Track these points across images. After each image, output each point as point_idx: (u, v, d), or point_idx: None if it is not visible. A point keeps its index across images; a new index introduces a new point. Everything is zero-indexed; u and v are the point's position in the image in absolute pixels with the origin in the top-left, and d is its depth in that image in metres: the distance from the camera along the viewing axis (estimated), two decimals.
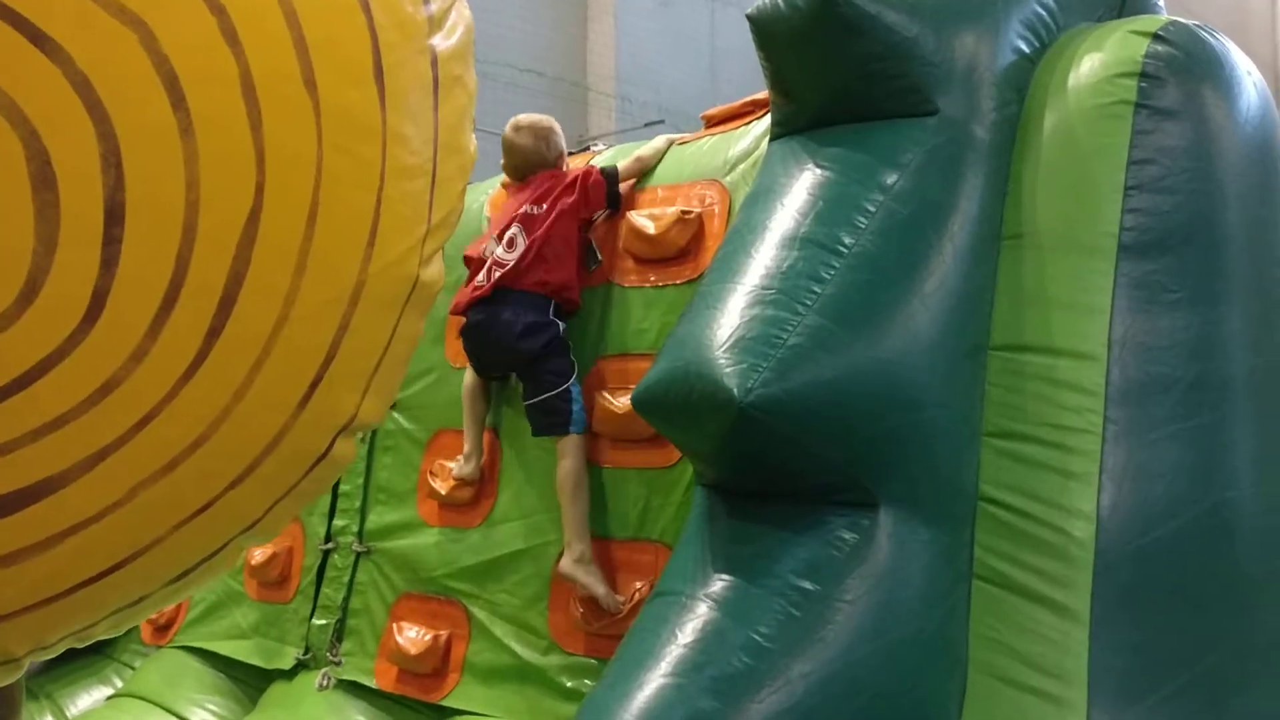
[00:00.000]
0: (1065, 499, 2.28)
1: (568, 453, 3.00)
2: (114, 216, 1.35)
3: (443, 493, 3.32)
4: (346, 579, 3.60)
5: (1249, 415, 2.41)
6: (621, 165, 3.26)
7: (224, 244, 1.42)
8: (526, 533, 3.11)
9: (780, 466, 2.20)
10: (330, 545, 3.69)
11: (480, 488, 3.27)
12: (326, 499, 3.73)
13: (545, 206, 3.18)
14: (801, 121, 2.55)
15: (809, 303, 2.18)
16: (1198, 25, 2.56)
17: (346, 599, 3.57)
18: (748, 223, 2.42)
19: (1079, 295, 2.38)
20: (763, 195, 2.46)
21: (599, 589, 2.84)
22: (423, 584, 3.36)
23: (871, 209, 2.31)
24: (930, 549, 2.24)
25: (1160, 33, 2.49)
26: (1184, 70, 2.46)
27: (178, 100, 1.36)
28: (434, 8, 1.67)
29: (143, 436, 1.44)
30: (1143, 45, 2.47)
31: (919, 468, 2.26)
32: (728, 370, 2.10)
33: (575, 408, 3.02)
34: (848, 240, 2.27)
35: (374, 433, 3.66)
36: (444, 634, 3.22)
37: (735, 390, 2.07)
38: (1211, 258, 2.44)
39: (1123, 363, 2.34)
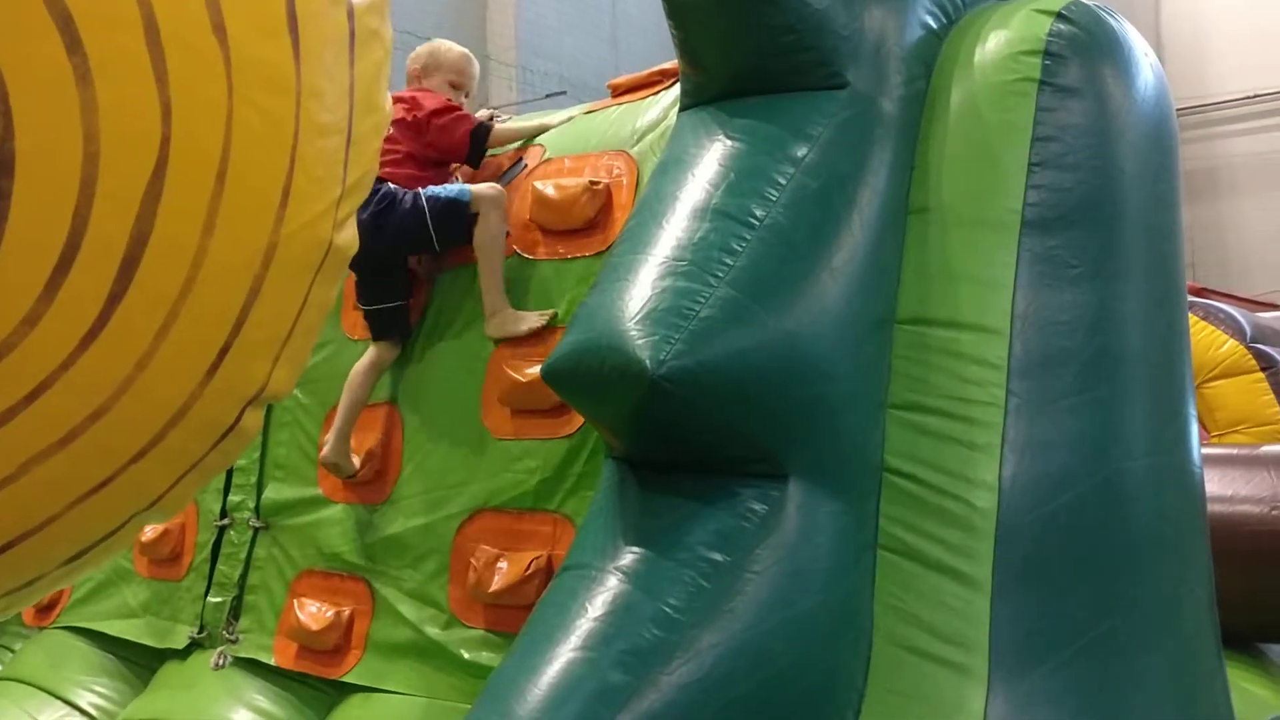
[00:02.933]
0: (968, 470, 2.32)
1: (482, 211, 3.05)
2: (3, 167, 1.24)
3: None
4: (243, 555, 3.50)
5: (1143, 388, 2.47)
6: (503, 126, 3.25)
7: (126, 201, 1.33)
8: (428, 506, 3.06)
9: (691, 438, 2.20)
10: (226, 521, 3.59)
11: (384, 463, 3.21)
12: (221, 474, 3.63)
13: (411, 119, 3.19)
14: (711, 92, 2.53)
15: (720, 275, 2.18)
16: (1098, 5, 2.61)
17: (244, 576, 3.48)
18: (657, 193, 2.40)
19: (983, 270, 2.42)
20: (673, 166, 2.44)
21: (520, 328, 2.94)
22: (325, 560, 3.29)
23: (782, 181, 2.31)
24: (837, 520, 2.26)
25: (1063, 11, 2.53)
26: (1085, 49, 2.51)
27: (73, 44, 1.26)
28: None
29: (35, 408, 1.35)
30: (1046, 24, 2.51)
31: (826, 440, 2.27)
32: (639, 342, 2.09)
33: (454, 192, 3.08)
34: (758, 212, 2.26)
35: (269, 406, 3.57)
36: (346, 610, 3.16)
37: (647, 362, 2.06)
38: (1110, 234, 2.49)
39: (1025, 337, 2.38)
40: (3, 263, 1.27)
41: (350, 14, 1.58)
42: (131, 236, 1.35)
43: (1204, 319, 5.60)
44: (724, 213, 2.26)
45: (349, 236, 1.70)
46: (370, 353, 3.20)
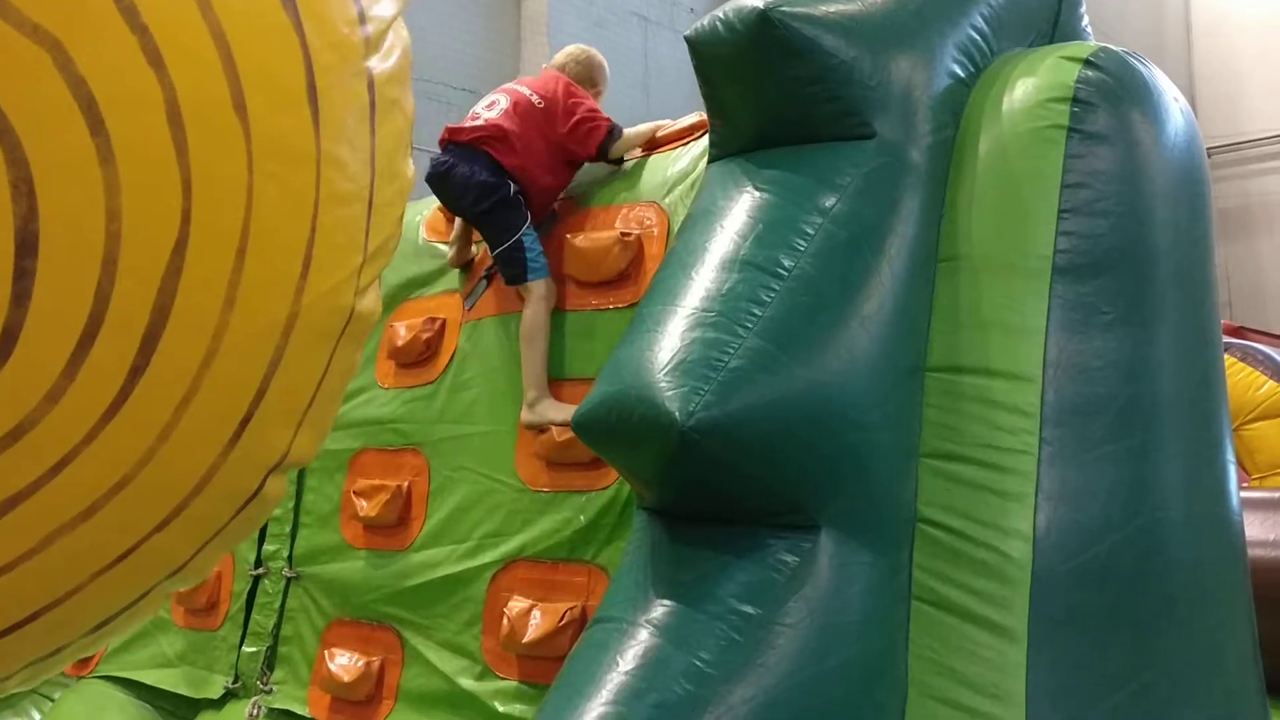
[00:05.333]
0: (1002, 519, 2.29)
1: (529, 301, 3.07)
2: (26, 247, 1.26)
3: (369, 514, 3.27)
4: (277, 605, 3.52)
5: (1179, 435, 2.44)
6: (630, 131, 3.31)
7: (147, 277, 1.34)
8: (460, 556, 3.07)
9: (721, 489, 2.19)
10: (261, 570, 3.61)
11: (407, 510, 3.23)
12: None
13: (543, 104, 3.27)
14: (739, 143, 2.55)
15: (749, 325, 2.18)
16: (1126, 52, 2.61)
17: (278, 625, 3.49)
18: (687, 245, 2.41)
19: (1014, 317, 2.40)
20: (701, 217, 2.45)
21: (558, 417, 2.89)
22: (354, 609, 3.30)
23: (810, 232, 2.31)
24: (870, 571, 2.24)
25: (1091, 59, 2.53)
26: (1114, 95, 2.50)
27: (96, 125, 1.28)
28: (370, 29, 1.61)
29: (59, 481, 1.35)
30: (1074, 71, 2.51)
31: (859, 490, 2.26)
32: (669, 394, 2.09)
33: (530, 256, 3.09)
34: (787, 263, 2.27)
35: None
36: (377, 660, 3.17)
37: (677, 414, 2.06)
38: (1142, 280, 2.48)
39: (1057, 384, 2.36)
40: (26, 340, 1.28)
41: (371, 85, 1.60)
42: (153, 311, 1.36)
43: (1241, 360, 5.53)
44: (752, 264, 2.27)
45: (371, 302, 1.71)
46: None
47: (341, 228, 1.56)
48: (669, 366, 2.14)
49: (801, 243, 2.30)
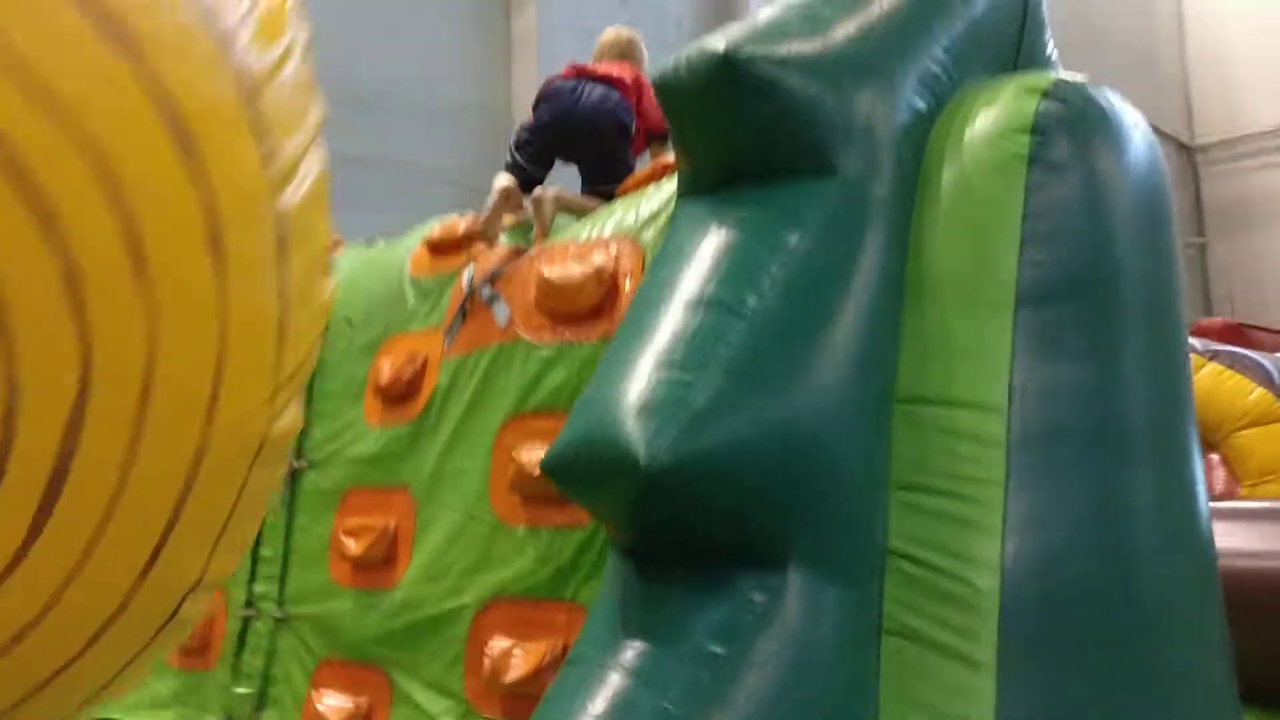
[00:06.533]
0: (969, 549, 2.31)
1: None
2: None
3: (356, 553, 3.29)
4: (267, 645, 3.54)
5: (1146, 460, 2.46)
6: None
7: (48, 429, 1.35)
8: (443, 595, 3.09)
9: (689, 530, 2.21)
10: (251, 612, 3.63)
11: (393, 549, 3.25)
12: (247, 561, 3.68)
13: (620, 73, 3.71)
14: (706, 182, 2.57)
15: (714, 364, 2.20)
16: (1086, 81, 2.63)
17: (267, 666, 3.52)
18: (654, 285, 2.43)
19: (978, 346, 2.42)
20: (670, 257, 2.47)
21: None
22: (343, 649, 3.33)
23: (774, 270, 2.33)
24: (840, 606, 2.26)
25: (1051, 89, 2.55)
26: (1074, 125, 2.52)
27: None
28: (282, 161, 1.61)
29: None
30: (1034, 101, 2.53)
31: (828, 525, 2.27)
32: (634, 436, 2.11)
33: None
34: (751, 301, 2.29)
35: (293, 494, 3.63)
36: (365, 700, 3.19)
37: (641, 456, 2.08)
38: (1107, 305, 2.50)
39: (1022, 412, 2.38)
40: None
41: (281, 219, 1.60)
42: (56, 458, 1.37)
43: (1230, 367, 5.55)
44: (718, 303, 2.29)
45: (286, 423, 1.73)
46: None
47: (250, 361, 1.58)
48: (634, 408, 2.15)
49: (766, 281, 2.32)
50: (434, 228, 3.66)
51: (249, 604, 3.64)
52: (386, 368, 3.45)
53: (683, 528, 2.21)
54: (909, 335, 2.47)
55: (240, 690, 3.53)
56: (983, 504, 2.34)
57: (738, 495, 2.17)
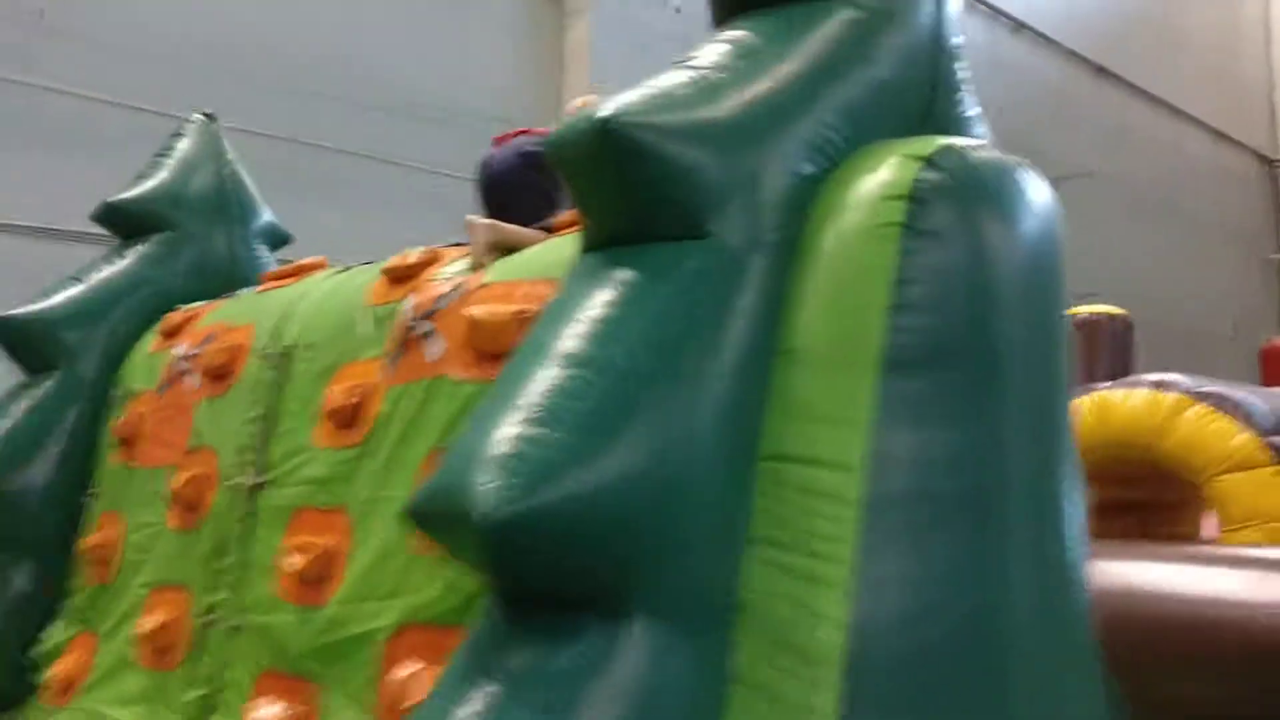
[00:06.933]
0: (818, 605, 2.39)
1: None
2: None
3: (297, 568, 3.46)
4: (220, 653, 3.73)
5: (1015, 527, 2.51)
6: None
7: None
8: (364, 617, 3.23)
9: (533, 580, 2.33)
10: (210, 618, 3.83)
11: (328, 567, 3.41)
12: (210, 568, 3.88)
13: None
14: (598, 239, 2.68)
15: (566, 420, 2.31)
16: (974, 147, 2.69)
17: (219, 672, 3.70)
18: (532, 339, 2.55)
19: (842, 409, 2.50)
20: (554, 310, 2.59)
21: None
22: (281, 661, 3.49)
23: (639, 327, 2.44)
24: (689, 657, 2.35)
25: (933, 157, 2.62)
26: (953, 194, 2.58)
27: None
28: None
29: None
30: (914, 169, 2.60)
31: (677, 577, 2.37)
32: (479, 489, 2.22)
33: None
34: (612, 358, 2.39)
35: (255, 508, 3.81)
36: (299, 711, 3.35)
37: (482, 509, 2.19)
38: (980, 373, 2.56)
39: (882, 475, 2.46)
40: None
41: None
42: None
43: (1218, 409, 5.49)
44: (581, 360, 2.40)
45: None
46: None
47: None
48: (486, 462, 2.27)
49: (629, 339, 2.42)
50: (393, 257, 3.81)
51: (209, 610, 3.83)
52: (337, 393, 3.61)
53: (526, 578, 2.33)
54: (777, 395, 2.56)
55: (195, 692, 3.73)
56: (834, 561, 2.42)
57: (578, 549, 2.28)
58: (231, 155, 5.70)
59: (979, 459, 2.53)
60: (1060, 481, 2.70)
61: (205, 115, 5.75)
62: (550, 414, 2.32)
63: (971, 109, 3.10)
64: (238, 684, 3.63)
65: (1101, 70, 20.77)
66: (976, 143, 2.75)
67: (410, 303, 3.52)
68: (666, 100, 2.57)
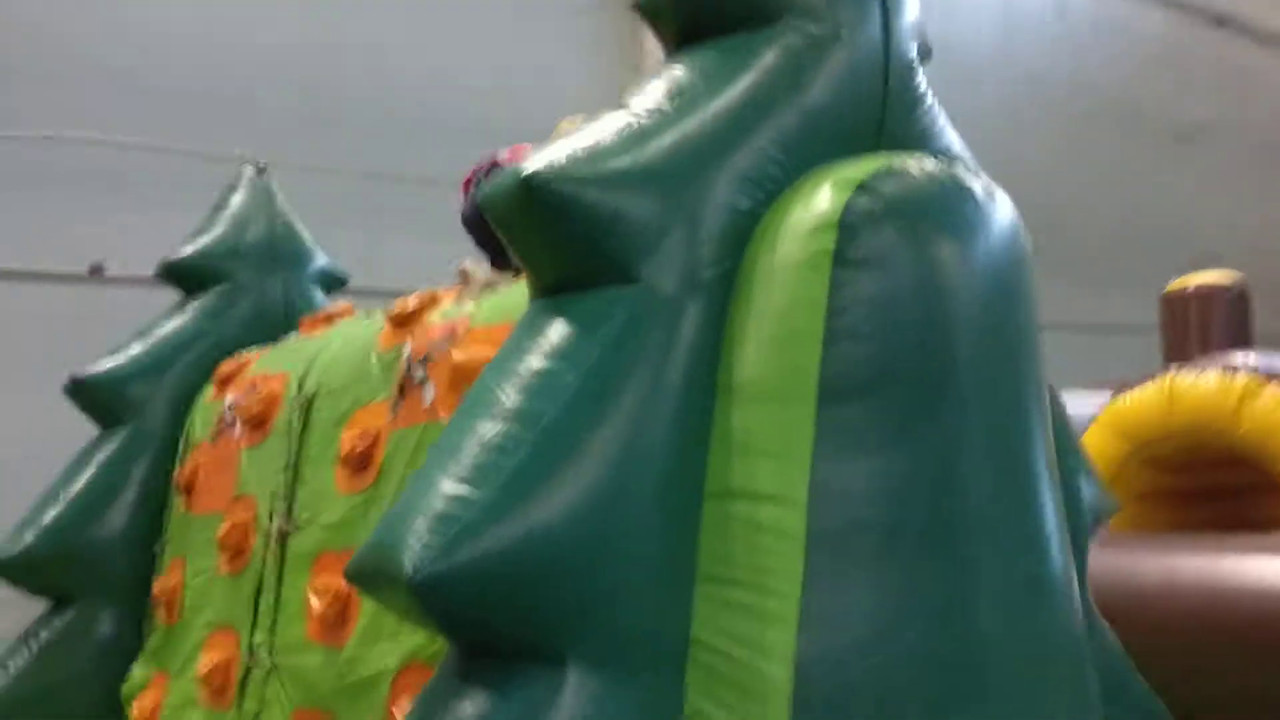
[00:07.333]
0: (764, 641, 2.41)
1: None
2: None
3: (320, 611, 3.60)
4: (260, 692, 3.91)
5: (966, 552, 2.49)
6: None
7: None
8: (376, 657, 3.35)
9: (469, 634, 2.39)
10: (252, 659, 4.01)
11: (345, 610, 3.54)
12: (252, 611, 4.07)
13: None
14: (537, 289, 2.74)
15: (495, 477, 2.37)
16: (916, 166, 2.65)
17: (258, 712, 3.88)
18: (474, 391, 2.62)
19: (783, 443, 2.51)
20: (496, 362, 2.65)
21: None
22: (311, 700, 3.64)
23: (570, 379, 2.48)
24: (636, 699, 2.40)
25: (866, 182, 2.60)
26: (886, 217, 2.56)
27: None
28: None
29: None
30: (844, 197, 2.58)
31: (618, 623, 2.41)
32: (406, 548, 2.30)
33: None
34: (542, 411, 2.44)
35: (286, 554, 3.98)
36: None
37: (405, 569, 2.27)
38: (923, 400, 2.53)
39: (822, 507, 2.46)
40: None
41: None
42: None
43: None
44: (511, 416, 2.45)
45: None
46: None
47: None
48: (414, 519, 2.35)
49: (560, 391, 2.47)
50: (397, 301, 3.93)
51: (251, 652, 4.01)
52: (350, 438, 3.74)
53: (460, 632, 2.40)
54: (719, 433, 2.58)
55: None
56: (780, 596, 2.43)
57: (504, 603, 2.34)
58: (283, 204, 5.92)
59: (929, 485, 2.51)
60: (1032, 501, 2.65)
61: (257, 168, 5.98)
62: (479, 471, 2.39)
63: (934, 122, 3.05)
64: None
65: (1222, 21, 19.89)
66: (922, 161, 2.71)
67: (409, 348, 3.63)
68: (590, 151, 2.60)
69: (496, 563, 2.31)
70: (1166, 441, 5.61)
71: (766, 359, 2.56)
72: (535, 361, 2.54)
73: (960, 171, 2.70)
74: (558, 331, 2.56)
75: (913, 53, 3.01)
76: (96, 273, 9.50)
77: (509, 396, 2.50)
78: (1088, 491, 3.32)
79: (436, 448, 2.55)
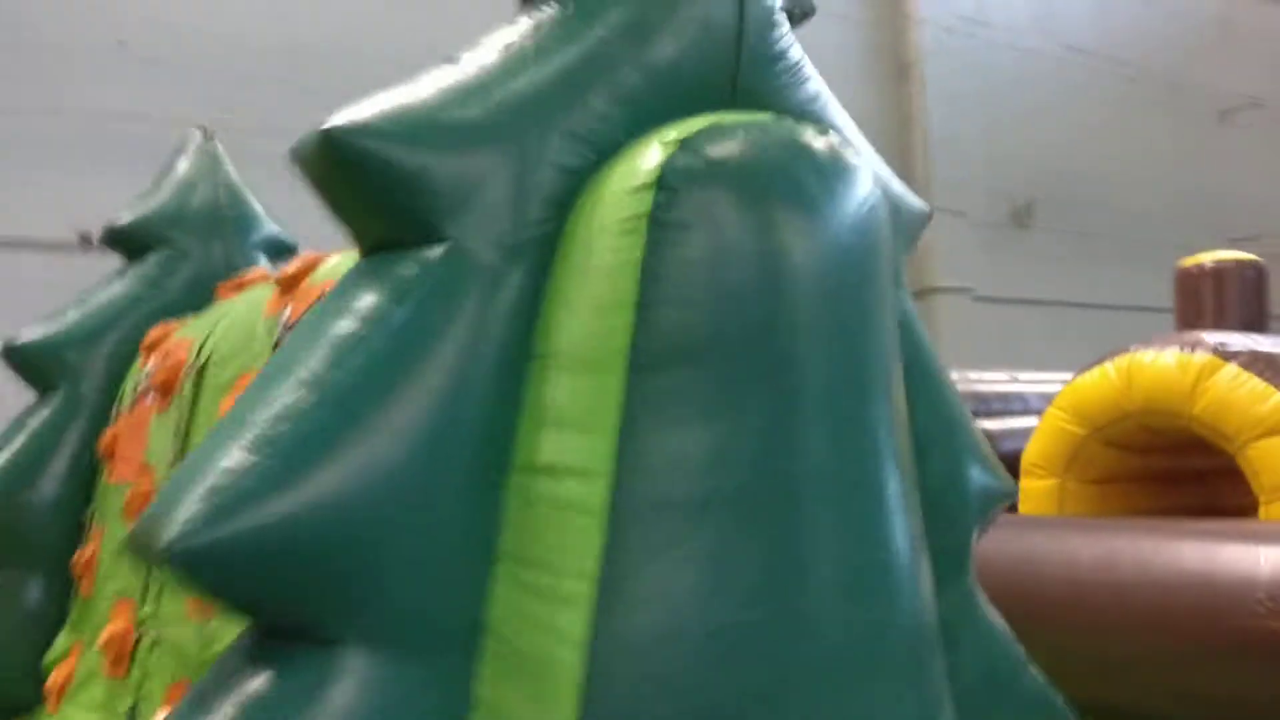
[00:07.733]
0: (556, 624, 2.28)
1: None
2: None
3: None
4: (146, 664, 3.84)
5: (767, 537, 2.33)
6: None
7: None
8: (236, 627, 3.26)
9: (242, 609, 2.28)
10: (141, 630, 3.94)
11: None
12: (142, 583, 4.01)
13: None
14: (358, 249, 2.62)
15: (275, 446, 2.25)
16: (744, 128, 2.50)
17: (142, 682, 3.82)
18: (277, 357, 2.50)
19: (591, 414, 2.37)
20: (300, 327, 2.54)
21: None
22: (186, 671, 3.57)
23: (370, 343, 2.35)
24: (420, 683, 2.27)
25: (688, 141, 2.45)
26: (708, 179, 2.41)
27: None
28: None
29: None
30: (665, 155, 2.43)
31: (404, 601, 2.29)
32: (170, 520, 2.19)
33: None
34: (335, 377, 2.31)
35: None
36: None
37: (166, 540, 2.16)
38: (746, 369, 2.38)
39: (630, 482, 2.32)
40: None
41: None
42: None
43: (1249, 368, 4.95)
44: (306, 381, 2.33)
45: None
46: None
47: None
48: (188, 490, 2.23)
49: (356, 356, 2.34)
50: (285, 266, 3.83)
51: (143, 622, 3.95)
52: (228, 406, 3.64)
53: (234, 609, 2.29)
54: (530, 404, 2.44)
55: (127, 702, 3.86)
56: (577, 576, 2.30)
57: (282, 579, 2.21)
58: (230, 170, 5.83)
59: (750, 459, 2.36)
60: (872, 481, 2.50)
61: (202, 131, 5.90)
62: (261, 440, 2.27)
63: (796, 78, 2.89)
64: (152, 696, 3.72)
65: None
66: (757, 119, 2.56)
67: (286, 313, 3.53)
68: (401, 107, 2.47)
69: (267, 536, 2.18)
70: (1123, 422, 5.37)
71: (580, 326, 2.42)
72: (337, 325, 2.41)
73: (801, 131, 2.54)
74: (364, 293, 2.43)
75: (775, 6, 2.84)
76: (86, 242, 9.52)
77: (306, 361, 2.38)
78: (977, 476, 3.14)
79: (229, 415, 2.44)
